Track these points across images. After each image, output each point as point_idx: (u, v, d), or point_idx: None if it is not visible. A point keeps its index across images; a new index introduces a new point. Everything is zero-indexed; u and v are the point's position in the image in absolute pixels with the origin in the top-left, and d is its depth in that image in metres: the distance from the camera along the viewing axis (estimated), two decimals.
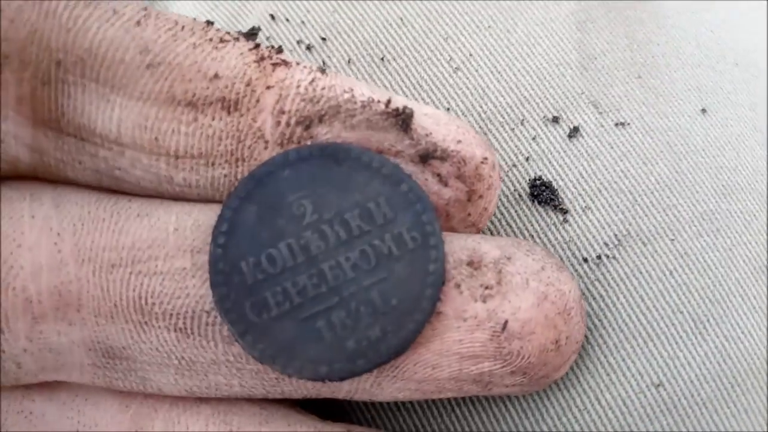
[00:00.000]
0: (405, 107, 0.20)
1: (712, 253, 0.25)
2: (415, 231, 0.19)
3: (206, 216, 0.20)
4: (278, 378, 0.20)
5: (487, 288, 0.19)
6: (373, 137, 0.20)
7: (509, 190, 0.25)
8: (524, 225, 0.25)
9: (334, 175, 0.19)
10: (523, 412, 0.23)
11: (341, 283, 0.19)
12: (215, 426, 0.21)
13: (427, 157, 0.20)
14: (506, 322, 0.19)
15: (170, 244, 0.20)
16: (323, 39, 0.28)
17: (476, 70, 0.26)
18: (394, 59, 0.27)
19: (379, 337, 0.19)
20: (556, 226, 0.25)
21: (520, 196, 0.25)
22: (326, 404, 0.24)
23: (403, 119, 0.20)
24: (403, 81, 0.26)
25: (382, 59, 0.27)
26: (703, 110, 0.27)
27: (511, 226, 0.25)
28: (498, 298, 0.19)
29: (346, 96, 0.20)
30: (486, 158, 0.20)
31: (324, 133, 0.20)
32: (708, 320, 0.24)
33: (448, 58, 0.27)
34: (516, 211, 0.25)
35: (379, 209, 0.19)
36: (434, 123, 0.20)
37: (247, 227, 0.19)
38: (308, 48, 0.28)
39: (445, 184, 0.20)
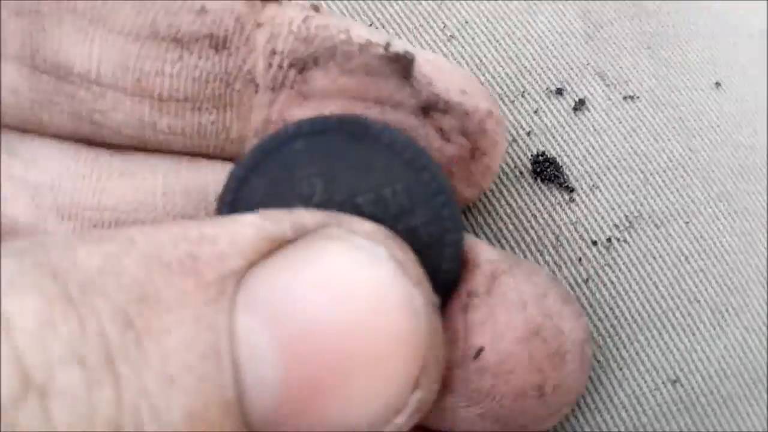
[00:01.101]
0: (406, 51, 0.17)
1: (730, 238, 0.23)
2: (433, 227, 0.17)
3: (196, 180, 0.18)
4: None
5: (471, 295, 0.17)
6: (371, 84, 0.18)
7: (509, 166, 0.23)
8: (526, 204, 0.22)
9: (351, 153, 0.17)
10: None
11: None
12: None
13: (428, 109, 0.18)
14: (481, 349, 0.16)
15: (159, 210, 0.18)
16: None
17: (472, 39, 0.24)
18: (383, 27, 0.24)
19: None
20: (561, 206, 0.22)
21: (521, 173, 0.23)
22: None
23: (403, 65, 0.17)
24: None
25: (370, 26, 0.25)
26: (717, 84, 0.25)
27: (511, 206, 0.22)
28: (482, 311, 0.17)
29: (342, 37, 0.17)
30: (491, 112, 0.18)
31: (320, 78, 0.17)
32: (727, 310, 0.22)
33: (442, 26, 0.24)
34: (517, 190, 0.22)
35: (395, 198, 0.17)
36: (436, 70, 0.18)
37: (253, 201, 0.17)
38: None
39: (448, 140, 0.18)
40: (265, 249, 0.14)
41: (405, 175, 0.17)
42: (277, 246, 0.14)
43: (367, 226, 0.15)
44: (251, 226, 0.14)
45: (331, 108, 0.18)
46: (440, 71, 0.18)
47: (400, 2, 0.25)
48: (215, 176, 0.19)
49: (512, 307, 0.17)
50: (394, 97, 0.18)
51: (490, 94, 0.18)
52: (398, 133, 0.17)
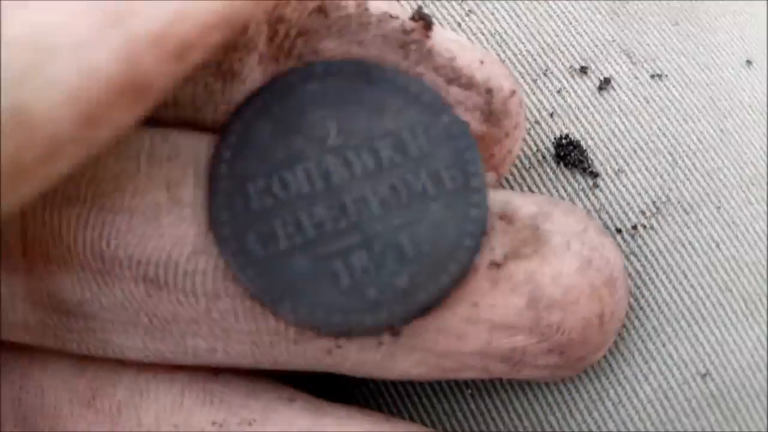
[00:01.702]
0: (427, 20, 0.16)
1: (763, 223, 0.21)
2: (456, 170, 0.16)
3: (187, 144, 0.16)
4: (273, 342, 0.16)
5: (523, 246, 0.16)
6: (389, 57, 0.16)
7: (531, 150, 0.21)
8: (548, 190, 0.21)
9: (366, 96, 0.16)
10: (548, 407, 0.20)
11: (365, 220, 0.16)
12: (192, 397, 0.17)
13: (450, 83, 0.16)
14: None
15: (142, 175, 0.16)
16: None
17: (492, 14, 0.23)
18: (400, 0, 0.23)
19: (405, 288, 0.16)
20: (585, 192, 0.21)
21: (543, 156, 0.21)
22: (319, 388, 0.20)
23: (423, 37, 0.16)
24: None
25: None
26: (748, 62, 0.24)
27: (532, 191, 0.21)
28: (536, 259, 0.16)
29: (359, 8, 0.16)
30: (515, 91, 0.17)
31: (330, 49, 0.16)
32: (760, 300, 0.21)
33: (460, 0, 0.23)
34: (539, 174, 0.21)
35: (414, 140, 0.16)
36: (459, 48, 0.17)
37: (260, 144, 0.16)
38: None
39: (469, 118, 0.17)
40: None
41: (423, 118, 0.16)
42: None
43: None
44: None
45: None
46: (463, 49, 0.17)
47: None
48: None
49: (561, 247, 0.17)
50: (414, 69, 0.17)
51: (512, 75, 0.18)
52: (414, 78, 0.16)
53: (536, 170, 0.21)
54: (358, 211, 0.16)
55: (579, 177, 0.21)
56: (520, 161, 0.21)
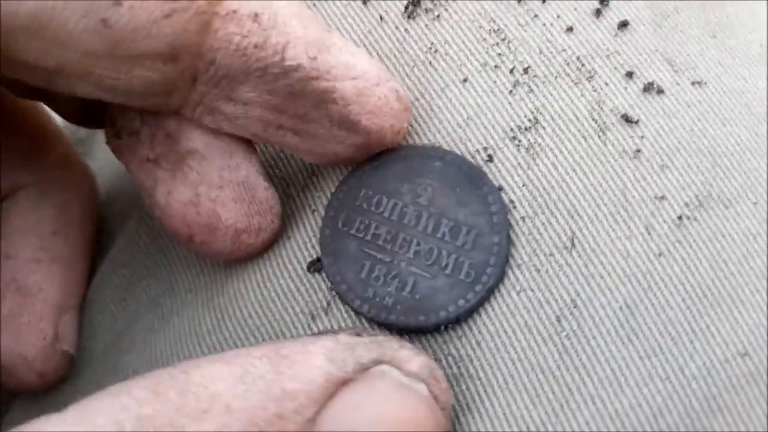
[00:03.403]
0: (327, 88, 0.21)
1: None
2: (475, 270, 0.22)
3: None
4: None
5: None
6: (290, 103, 0.21)
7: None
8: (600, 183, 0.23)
9: (461, 188, 0.23)
10: (599, 382, 0.22)
11: (400, 254, 0.23)
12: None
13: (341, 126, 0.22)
14: None
15: None
16: None
17: (552, 23, 0.25)
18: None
19: (388, 305, 0.22)
20: (633, 183, 0.23)
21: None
22: None
23: (322, 94, 0.21)
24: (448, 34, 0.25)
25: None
26: None
27: (590, 180, 0.23)
28: None
29: (276, 58, 0.20)
30: (396, 132, 0.23)
31: (246, 91, 0.21)
32: None
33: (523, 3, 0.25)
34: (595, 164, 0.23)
35: (467, 236, 0.23)
36: (356, 94, 0.21)
37: (386, 174, 0.24)
38: None
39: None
40: (331, 391, 0.18)
41: (481, 227, 0.23)
42: (341, 384, 0.18)
43: (414, 364, 0.19)
44: (320, 373, 0.18)
45: (252, 112, 0.22)
46: (360, 95, 0.21)
47: None
48: None
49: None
50: (310, 115, 0.21)
51: (404, 108, 0.23)
52: (498, 194, 0.23)
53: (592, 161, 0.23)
54: (400, 246, 0.23)
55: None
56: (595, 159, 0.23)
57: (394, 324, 0.22)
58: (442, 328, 0.22)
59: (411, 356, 0.19)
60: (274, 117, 0.22)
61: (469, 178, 0.23)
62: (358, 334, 0.20)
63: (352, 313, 0.23)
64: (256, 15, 0.20)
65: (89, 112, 0.26)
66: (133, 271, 0.29)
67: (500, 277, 0.22)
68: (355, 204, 0.24)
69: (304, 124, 0.22)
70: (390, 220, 0.23)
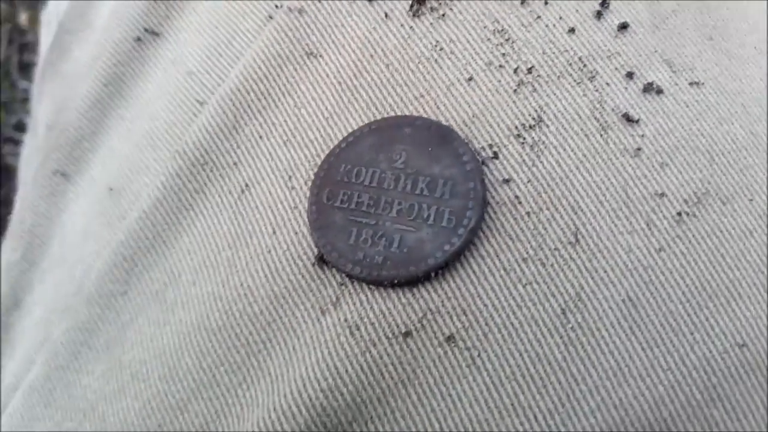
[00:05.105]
0: None
1: None
2: (455, 216, 0.24)
3: None
4: None
5: None
6: None
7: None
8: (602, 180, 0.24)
9: (434, 147, 0.25)
10: (604, 372, 0.22)
11: (384, 215, 0.24)
12: None
13: None
14: None
15: None
16: None
17: (555, 24, 0.26)
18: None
19: (378, 263, 0.24)
20: (633, 180, 0.24)
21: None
22: None
23: None
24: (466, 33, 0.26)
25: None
26: None
27: (592, 176, 0.24)
28: None
29: None
30: None
31: None
32: None
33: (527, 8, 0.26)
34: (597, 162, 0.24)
35: (444, 187, 0.24)
36: None
37: (363, 146, 0.25)
38: None
39: None
40: None
41: (457, 177, 0.24)
42: None
43: None
44: None
45: None
46: None
47: None
48: None
49: None
50: None
51: None
52: (472, 152, 0.24)
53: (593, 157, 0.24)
54: (383, 209, 0.24)
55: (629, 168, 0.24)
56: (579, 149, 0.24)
57: (386, 278, 0.23)
58: (433, 275, 0.23)
59: None
60: None
61: (440, 137, 0.24)
62: None
63: (361, 308, 0.24)
64: None
65: None
66: (135, 264, 0.29)
67: (480, 218, 0.23)
68: (336, 179, 0.25)
69: None
70: (371, 187, 0.25)
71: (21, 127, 0.85)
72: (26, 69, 0.88)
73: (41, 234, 0.33)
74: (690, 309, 0.23)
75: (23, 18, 0.88)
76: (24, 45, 0.88)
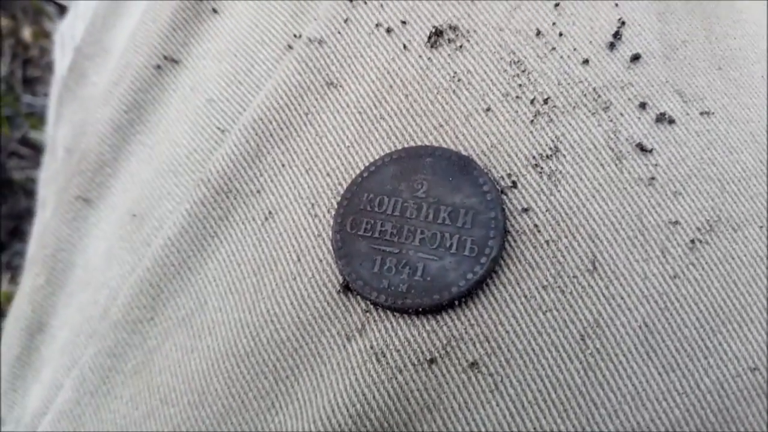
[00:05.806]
0: None
1: None
2: (477, 245, 0.24)
3: None
4: None
5: None
6: None
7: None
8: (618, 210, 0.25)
9: (455, 177, 0.25)
10: (622, 397, 0.23)
11: (407, 244, 0.25)
12: None
13: None
14: None
15: None
16: (403, 23, 0.28)
17: (570, 55, 0.26)
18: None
19: (403, 291, 0.24)
20: (648, 209, 0.25)
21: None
22: None
23: None
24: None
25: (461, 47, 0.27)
26: None
27: (608, 206, 0.25)
28: None
29: None
30: None
31: None
32: None
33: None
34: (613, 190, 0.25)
35: (465, 216, 0.25)
36: None
37: (385, 176, 0.26)
38: (388, 31, 0.28)
39: None
40: None
41: (479, 207, 0.25)
42: None
43: None
44: None
45: None
46: None
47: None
48: None
49: None
50: None
51: None
52: (491, 181, 0.25)
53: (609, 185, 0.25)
54: (407, 237, 0.25)
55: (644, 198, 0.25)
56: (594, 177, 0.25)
57: (410, 306, 0.24)
58: (456, 303, 0.24)
59: None
60: None
61: (460, 167, 0.25)
62: None
63: (386, 335, 0.24)
64: None
65: None
66: (161, 290, 0.30)
67: (501, 247, 0.24)
68: (359, 208, 0.26)
69: None
70: (393, 216, 0.26)
71: (25, 142, 0.86)
72: (30, 84, 0.88)
73: (64, 259, 0.34)
74: (704, 334, 0.23)
75: (27, 33, 0.88)
76: (28, 60, 0.89)
